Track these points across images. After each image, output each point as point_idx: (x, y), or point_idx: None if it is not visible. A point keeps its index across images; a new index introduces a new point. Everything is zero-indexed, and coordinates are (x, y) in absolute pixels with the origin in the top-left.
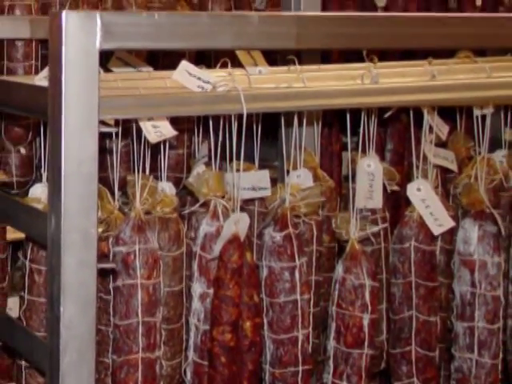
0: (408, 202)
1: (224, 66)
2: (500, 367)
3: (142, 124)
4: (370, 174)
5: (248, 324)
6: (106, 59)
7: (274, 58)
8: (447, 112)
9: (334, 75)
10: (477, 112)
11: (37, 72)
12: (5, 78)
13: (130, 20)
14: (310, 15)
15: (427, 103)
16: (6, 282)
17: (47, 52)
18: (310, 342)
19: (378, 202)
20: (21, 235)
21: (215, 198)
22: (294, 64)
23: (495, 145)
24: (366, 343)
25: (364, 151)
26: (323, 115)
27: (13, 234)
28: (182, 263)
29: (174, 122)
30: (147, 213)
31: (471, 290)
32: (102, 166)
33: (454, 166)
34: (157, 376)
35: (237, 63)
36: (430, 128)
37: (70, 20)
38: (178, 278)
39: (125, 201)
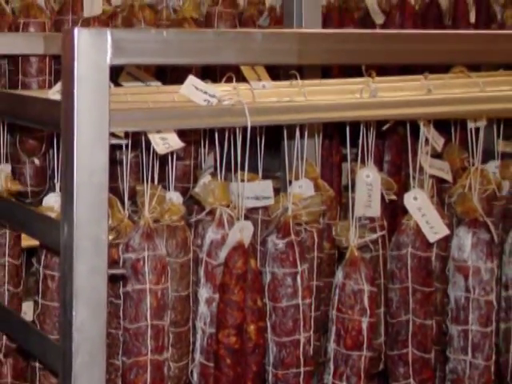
0: (405, 211)
1: (229, 80)
2: (493, 369)
3: (150, 136)
4: (368, 184)
5: (252, 327)
6: (117, 74)
7: (277, 73)
8: (442, 125)
9: (334, 89)
10: (471, 125)
11: (50, 86)
12: (20, 92)
13: (139, 37)
14: (312, 32)
15: (423, 116)
16: (20, 287)
17: (60, 67)
18: (312, 345)
19: (376, 210)
20: (35, 242)
21: (221, 207)
22: (296, 79)
23: (488, 156)
24: (365, 346)
25: (363, 162)
26: (324, 128)
27: (27, 241)
28: (188, 269)
29: (182, 134)
30: (156, 221)
31: (465, 294)
32: (113, 176)
33: (448, 177)
34: (165, 377)
35: (241, 78)
36: (426, 140)
37: (82, 37)
38: (185, 283)
39: (134, 209)
